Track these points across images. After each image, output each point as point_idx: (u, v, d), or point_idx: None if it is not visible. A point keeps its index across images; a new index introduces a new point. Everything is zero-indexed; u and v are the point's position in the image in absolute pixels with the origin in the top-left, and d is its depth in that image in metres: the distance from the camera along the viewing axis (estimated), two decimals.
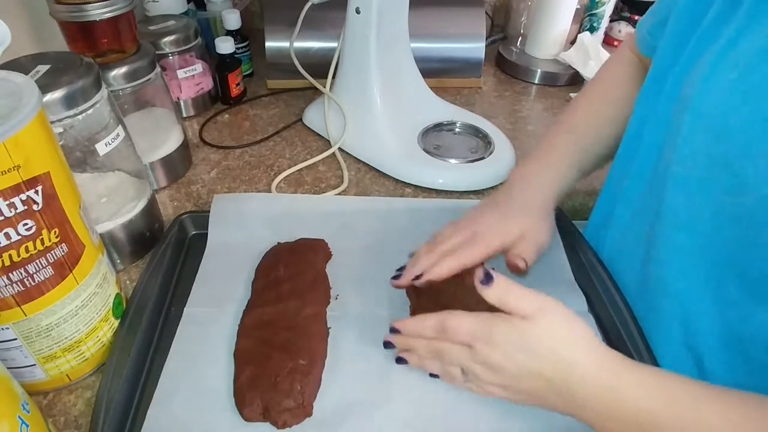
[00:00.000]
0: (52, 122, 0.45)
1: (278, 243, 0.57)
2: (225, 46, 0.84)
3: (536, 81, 1.01)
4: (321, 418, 0.42)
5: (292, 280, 0.51)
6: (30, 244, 0.36)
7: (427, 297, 0.48)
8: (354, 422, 0.42)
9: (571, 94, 0.95)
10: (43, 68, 0.46)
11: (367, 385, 0.44)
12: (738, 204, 0.38)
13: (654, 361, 0.46)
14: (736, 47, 0.37)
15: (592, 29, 1.04)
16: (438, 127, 0.79)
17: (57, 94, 0.45)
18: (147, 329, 0.48)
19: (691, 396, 0.34)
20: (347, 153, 0.76)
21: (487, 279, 0.39)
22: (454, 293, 0.46)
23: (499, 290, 0.38)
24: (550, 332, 0.37)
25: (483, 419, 0.42)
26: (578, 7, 1.00)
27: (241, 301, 0.51)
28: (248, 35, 0.95)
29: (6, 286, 0.36)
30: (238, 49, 0.90)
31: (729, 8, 0.40)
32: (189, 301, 0.51)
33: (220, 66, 0.85)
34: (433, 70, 0.90)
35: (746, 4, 0.38)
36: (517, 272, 0.48)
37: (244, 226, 0.59)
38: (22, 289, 0.37)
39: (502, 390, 0.39)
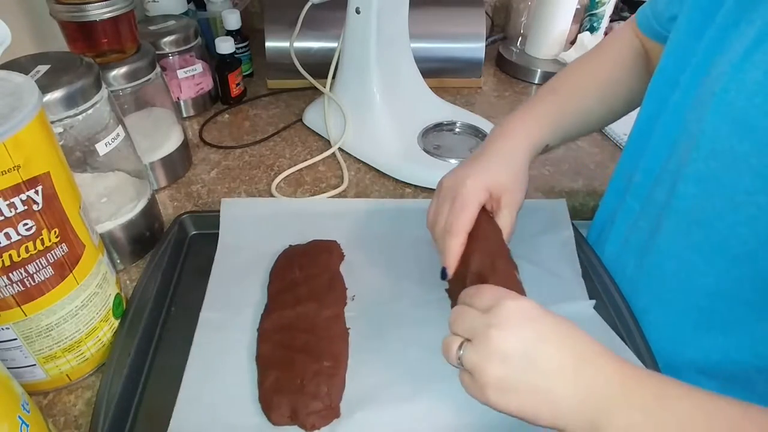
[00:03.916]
0: (52, 122, 0.45)
1: (290, 245, 0.57)
2: (225, 46, 0.84)
3: (536, 81, 1.01)
4: (348, 418, 0.42)
5: (308, 282, 0.51)
6: (30, 244, 0.36)
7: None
8: (381, 420, 0.42)
9: None
10: (43, 68, 0.46)
11: (391, 383, 0.44)
12: (757, 203, 0.39)
13: (654, 362, 0.46)
14: (761, 47, 0.37)
15: (592, 29, 1.04)
16: (438, 127, 0.79)
17: (57, 94, 0.45)
18: (147, 329, 0.48)
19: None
20: (347, 153, 0.76)
21: None
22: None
23: None
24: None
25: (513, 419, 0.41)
26: (578, 7, 1.00)
27: (257, 305, 0.51)
28: (248, 35, 0.95)
29: (6, 286, 0.36)
30: (238, 49, 0.90)
31: (747, 4, 0.40)
32: (204, 306, 0.50)
33: (220, 66, 0.85)
34: (433, 70, 0.90)
35: None
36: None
37: (254, 230, 0.59)
38: (22, 289, 0.37)
39: (500, 365, 0.34)
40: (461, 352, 0.36)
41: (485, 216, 0.47)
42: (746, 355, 0.44)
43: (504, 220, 0.47)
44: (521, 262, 0.52)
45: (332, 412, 0.42)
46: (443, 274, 0.45)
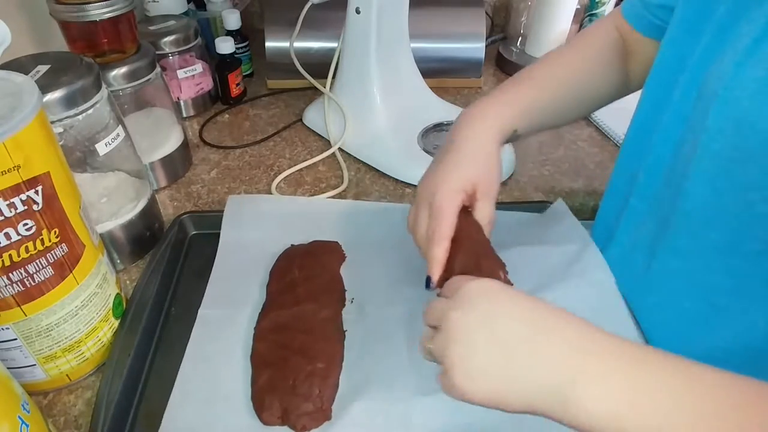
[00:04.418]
0: (52, 122, 0.45)
1: (291, 245, 0.57)
2: (225, 46, 0.84)
3: None
4: (338, 421, 0.42)
5: (308, 282, 0.51)
6: (30, 244, 0.36)
7: None
8: (372, 424, 0.41)
9: None
10: (43, 68, 0.46)
11: (384, 387, 0.44)
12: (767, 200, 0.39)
13: None
14: (763, 45, 0.37)
15: None
16: (438, 127, 0.79)
17: (57, 94, 0.45)
18: (147, 329, 0.48)
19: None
20: (347, 153, 0.76)
21: None
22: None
23: None
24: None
25: (506, 419, 0.41)
26: (578, 7, 1.00)
27: (256, 303, 0.51)
28: (248, 35, 0.95)
29: (6, 286, 0.36)
30: (238, 49, 0.90)
31: (748, 2, 0.39)
32: (203, 303, 0.51)
33: (220, 66, 0.85)
34: (433, 70, 0.90)
35: None
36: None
37: (258, 228, 0.58)
38: (22, 289, 0.37)
39: (460, 345, 0.33)
40: (430, 345, 0.36)
41: (463, 214, 0.46)
42: (754, 352, 0.44)
43: (481, 213, 0.46)
44: (531, 252, 0.52)
45: (323, 414, 0.41)
46: (427, 283, 0.44)
